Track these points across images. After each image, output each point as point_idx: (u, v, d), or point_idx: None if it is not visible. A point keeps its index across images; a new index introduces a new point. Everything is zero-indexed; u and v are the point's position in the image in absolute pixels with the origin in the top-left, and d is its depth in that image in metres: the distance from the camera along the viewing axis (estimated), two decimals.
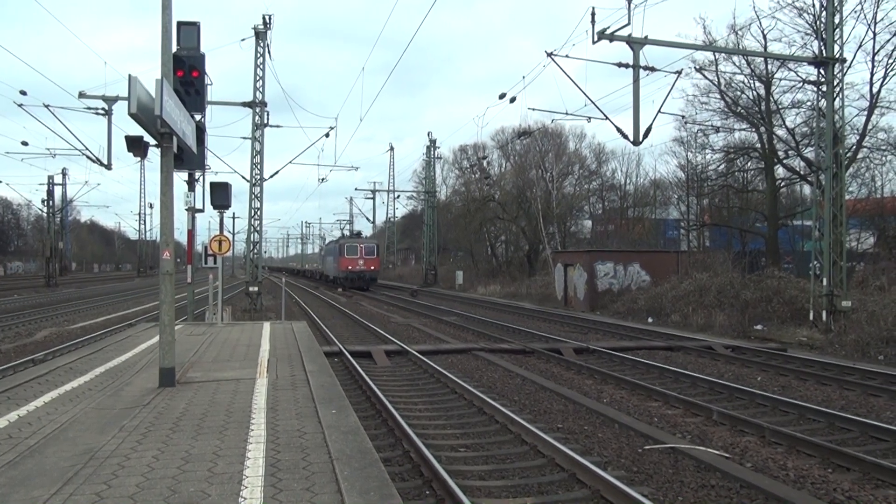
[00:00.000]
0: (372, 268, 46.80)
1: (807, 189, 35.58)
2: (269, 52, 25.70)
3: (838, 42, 19.13)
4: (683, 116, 33.59)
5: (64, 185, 60.64)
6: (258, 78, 25.76)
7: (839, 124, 19.53)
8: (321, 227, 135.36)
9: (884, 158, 32.39)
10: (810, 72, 22.57)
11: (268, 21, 25.57)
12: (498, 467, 7.27)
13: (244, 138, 26.88)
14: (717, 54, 30.79)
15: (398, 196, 64.35)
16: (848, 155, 25.90)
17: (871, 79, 28.20)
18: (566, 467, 7.07)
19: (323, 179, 73.43)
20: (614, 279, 29.47)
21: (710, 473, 7.06)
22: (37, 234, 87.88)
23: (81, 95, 24.11)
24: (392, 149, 63.44)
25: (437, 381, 12.34)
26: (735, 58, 31.36)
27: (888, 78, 28.12)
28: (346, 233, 66.42)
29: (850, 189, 30.41)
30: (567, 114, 21.36)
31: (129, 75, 7.14)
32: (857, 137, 29.14)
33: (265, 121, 26.07)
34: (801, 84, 26.86)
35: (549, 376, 13.11)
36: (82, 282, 66.85)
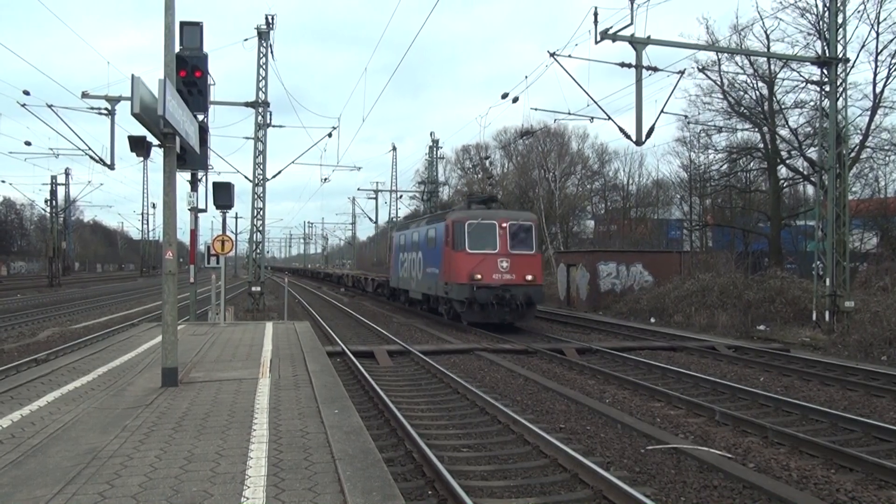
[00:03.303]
0: (528, 277, 20.80)
1: (810, 189, 35.60)
2: (271, 52, 25.74)
3: (841, 42, 19.08)
4: (686, 116, 33.61)
5: (67, 185, 60.83)
6: (261, 78, 25.79)
7: (842, 124, 19.49)
8: (324, 227, 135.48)
9: (887, 158, 32.42)
10: (813, 72, 22.56)
11: (270, 21, 25.60)
12: (500, 468, 7.27)
13: (247, 138, 26.91)
14: (719, 54, 30.79)
15: (401, 196, 64.21)
16: (851, 155, 25.88)
17: (875, 79, 28.22)
18: (568, 468, 7.07)
19: (325, 179, 73.46)
20: (617, 279, 29.45)
21: (712, 474, 7.06)
22: (40, 234, 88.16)
23: (84, 95, 24.15)
24: (394, 149, 63.28)
25: (439, 382, 12.35)
26: (738, 58, 31.37)
27: (891, 78, 28.13)
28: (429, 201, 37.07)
29: (854, 189, 30.45)
30: (569, 114, 21.31)
31: (132, 75, 7.15)
32: (861, 137, 29.15)
33: (268, 121, 26.10)
34: (804, 84, 26.81)
35: (552, 376, 13.10)
36: (85, 282, 66.95)
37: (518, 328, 21.08)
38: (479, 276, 19.99)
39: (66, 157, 58.30)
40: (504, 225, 20.88)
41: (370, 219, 66.04)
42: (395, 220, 65.43)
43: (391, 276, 31.43)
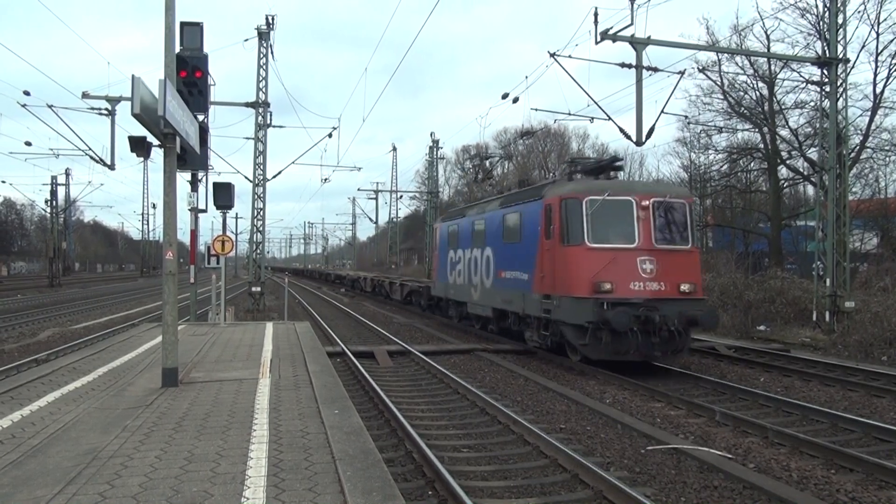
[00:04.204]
0: (684, 287, 13.11)
1: (810, 189, 35.65)
2: (272, 52, 25.75)
3: (841, 42, 19.09)
4: (686, 117, 33.62)
5: (67, 185, 60.97)
6: (261, 78, 25.80)
7: (842, 125, 19.49)
8: (324, 228, 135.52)
9: (887, 159, 32.44)
10: (813, 72, 22.58)
11: (271, 22, 25.61)
12: (500, 468, 7.27)
13: (247, 139, 26.94)
14: (720, 55, 30.82)
15: (401, 196, 64.32)
16: (851, 155, 25.90)
17: (875, 79, 28.28)
18: (569, 468, 7.07)
19: (326, 180, 73.26)
20: None
21: (712, 474, 7.06)
22: (40, 235, 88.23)
23: (85, 96, 24.17)
24: (394, 149, 63.37)
25: (439, 382, 12.35)
26: (738, 58, 31.40)
27: (891, 78, 28.20)
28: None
29: (854, 189, 30.46)
30: (570, 114, 21.28)
31: (133, 76, 7.15)
32: (861, 138, 29.17)
33: (268, 121, 26.11)
34: (805, 84, 26.86)
35: (552, 377, 13.10)
36: (85, 282, 66.97)
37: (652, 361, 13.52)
38: (608, 287, 12.64)
39: (66, 157, 58.35)
40: (645, 203, 13.25)
41: (370, 219, 66.17)
42: (395, 220, 65.38)
43: (434, 282, 23.92)
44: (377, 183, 72.53)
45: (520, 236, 15.55)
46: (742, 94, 33.57)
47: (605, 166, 15.06)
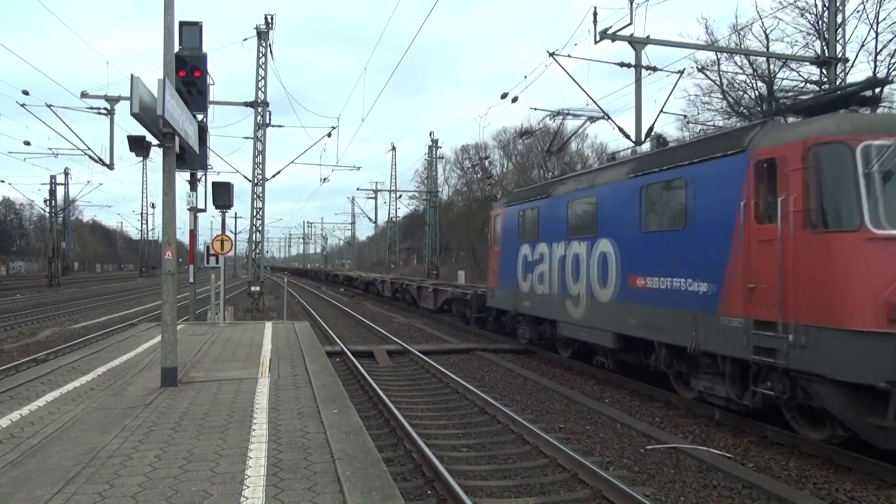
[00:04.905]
0: None
1: None
2: (271, 52, 25.75)
3: (840, 42, 19.10)
4: (685, 116, 33.56)
5: (66, 184, 60.87)
6: (260, 78, 25.79)
7: None
8: (323, 227, 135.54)
9: None
10: (813, 72, 22.58)
11: (270, 21, 25.60)
12: (500, 467, 7.27)
13: (246, 138, 26.94)
14: (718, 54, 30.76)
15: (400, 196, 64.28)
16: None
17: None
18: (568, 467, 7.08)
19: (325, 179, 73.33)
20: None
21: (712, 473, 7.06)
22: (39, 234, 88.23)
23: (84, 95, 24.15)
24: (394, 149, 63.30)
25: (438, 381, 12.35)
26: (737, 57, 31.37)
27: (890, 77, 28.13)
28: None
29: None
30: (569, 113, 21.28)
31: (132, 75, 7.15)
32: None
33: (267, 121, 26.11)
34: (804, 84, 26.83)
35: (551, 377, 13.10)
36: (84, 282, 66.93)
37: None
38: None
39: (65, 156, 58.50)
40: None
41: (370, 219, 66.26)
42: (395, 219, 65.26)
43: (493, 289, 17.90)
44: (376, 182, 72.70)
45: (684, 220, 9.77)
46: (741, 93, 33.56)
47: (851, 94, 8.74)
